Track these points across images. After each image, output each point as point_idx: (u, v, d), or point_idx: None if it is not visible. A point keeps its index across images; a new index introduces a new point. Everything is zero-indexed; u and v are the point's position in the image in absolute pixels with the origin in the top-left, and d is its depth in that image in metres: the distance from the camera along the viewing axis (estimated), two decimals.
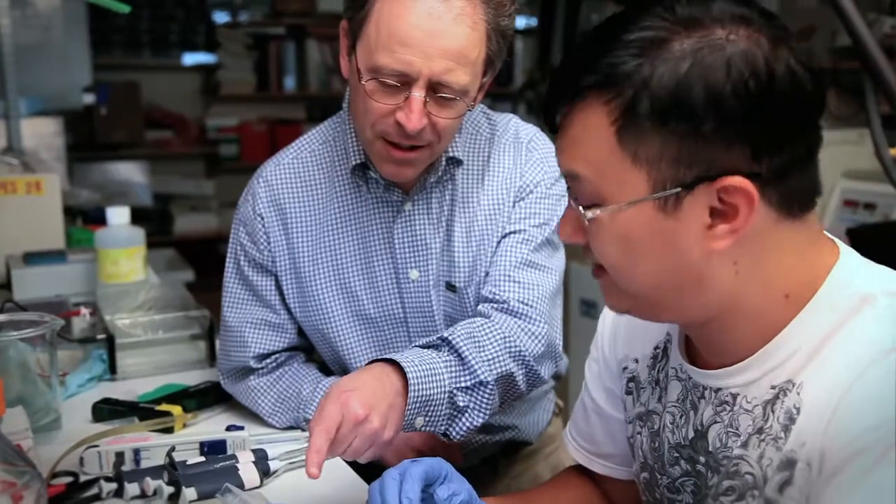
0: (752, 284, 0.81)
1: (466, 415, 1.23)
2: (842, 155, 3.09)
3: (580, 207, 0.82)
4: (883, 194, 2.88)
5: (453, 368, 1.22)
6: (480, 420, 1.24)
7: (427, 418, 1.19)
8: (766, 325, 0.83)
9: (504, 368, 1.26)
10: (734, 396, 0.86)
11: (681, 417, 0.93)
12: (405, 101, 1.19)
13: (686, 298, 0.82)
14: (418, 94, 1.18)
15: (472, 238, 1.36)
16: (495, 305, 1.32)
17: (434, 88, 1.19)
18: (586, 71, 0.79)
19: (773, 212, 0.79)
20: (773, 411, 0.82)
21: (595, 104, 0.79)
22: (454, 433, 1.23)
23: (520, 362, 1.28)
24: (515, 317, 1.31)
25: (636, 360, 1.02)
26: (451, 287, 1.36)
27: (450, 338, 1.23)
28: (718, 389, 0.88)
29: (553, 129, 0.85)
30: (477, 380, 1.22)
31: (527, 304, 1.31)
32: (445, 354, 1.22)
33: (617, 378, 1.05)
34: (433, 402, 1.19)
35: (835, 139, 3.11)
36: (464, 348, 1.22)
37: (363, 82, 1.21)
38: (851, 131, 3.14)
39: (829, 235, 0.88)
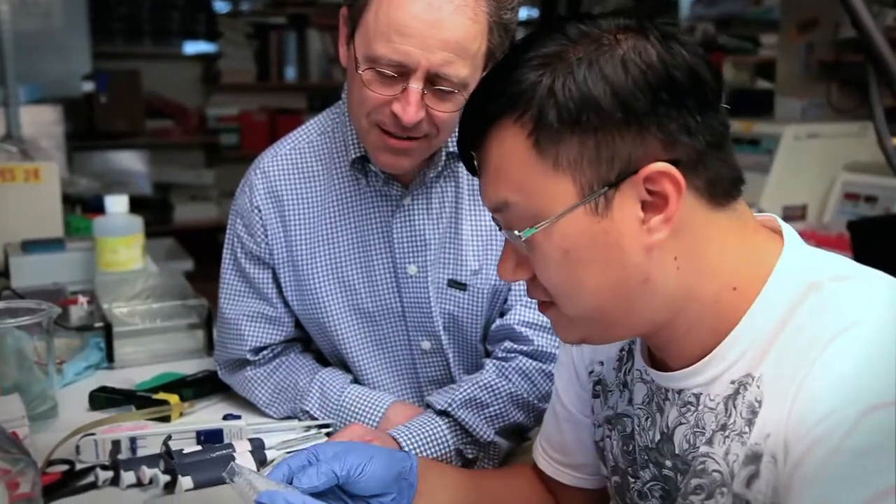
0: (697, 279, 0.82)
1: (477, 464, 1.30)
2: (843, 148, 3.08)
3: (515, 232, 0.82)
4: (884, 187, 2.88)
5: (458, 432, 1.29)
6: (491, 466, 1.31)
7: None
8: (719, 322, 0.83)
9: (509, 421, 1.31)
10: (697, 396, 0.86)
11: (647, 420, 0.93)
12: (402, 93, 1.18)
13: (635, 308, 0.83)
14: (416, 85, 1.17)
15: (482, 235, 1.35)
16: (519, 348, 1.33)
17: (432, 80, 1.17)
18: (491, 98, 0.82)
19: (701, 201, 0.81)
20: (735, 406, 0.82)
21: (507, 125, 0.81)
22: None
23: (526, 410, 1.32)
24: (536, 359, 1.33)
25: (601, 363, 1.02)
26: (457, 285, 1.35)
27: (449, 410, 1.29)
28: (681, 391, 0.88)
29: (473, 171, 0.87)
30: (481, 441, 1.29)
31: (552, 350, 1.32)
32: (450, 419, 1.29)
33: (585, 382, 1.04)
34: (441, 462, 1.26)
35: (836, 132, 3.11)
36: (462, 417, 1.28)
37: (360, 71, 1.19)
38: (853, 124, 3.13)
39: (780, 221, 0.89)
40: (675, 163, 0.78)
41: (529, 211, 0.81)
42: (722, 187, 0.82)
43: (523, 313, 1.33)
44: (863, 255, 2.26)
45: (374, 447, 1.03)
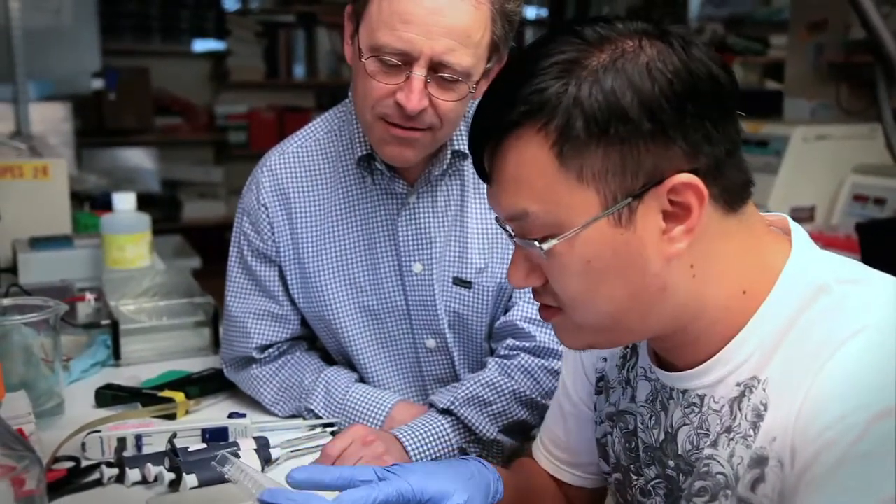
0: (710, 285, 0.82)
1: None
2: (852, 149, 3.07)
3: (535, 242, 0.81)
4: (893, 189, 2.87)
5: (461, 430, 1.29)
6: (495, 464, 1.30)
7: None
8: (727, 325, 0.83)
9: (512, 419, 1.31)
10: (701, 398, 0.86)
11: (650, 418, 0.92)
12: (405, 82, 1.18)
13: (650, 315, 0.82)
14: (419, 73, 1.17)
15: (487, 233, 1.35)
16: (521, 346, 1.33)
17: (435, 69, 1.18)
18: (510, 105, 0.79)
19: (717, 208, 0.81)
20: (740, 409, 0.82)
21: (528, 134, 0.79)
22: None
23: (530, 407, 1.32)
24: (539, 356, 1.33)
25: (605, 359, 1.01)
26: (462, 282, 1.35)
27: (451, 408, 1.29)
28: (685, 391, 0.87)
29: (484, 177, 0.85)
30: (484, 439, 1.30)
31: (555, 346, 1.32)
32: (453, 418, 1.29)
33: (591, 376, 1.04)
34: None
35: (845, 133, 3.10)
36: (465, 415, 1.29)
37: (364, 60, 1.20)
38: (862, 126, 3.12)
39: (791, 222, 0.88)
40: (695, 172, 0.77)
41: (550, 221, 0.80)
42: (736, 193, 0.82)
43: (526, 309, 1.33)
44: (871, 257, 2.25)
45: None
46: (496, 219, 0.87)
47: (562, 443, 1.10)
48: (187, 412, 1.41)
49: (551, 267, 0.82)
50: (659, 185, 0.77)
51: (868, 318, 0.77)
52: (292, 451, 1.27)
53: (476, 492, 0.95)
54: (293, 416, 1.40)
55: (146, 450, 1.26)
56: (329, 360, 1.46)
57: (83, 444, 1.25)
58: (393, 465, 0.94)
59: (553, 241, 0.80)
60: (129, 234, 1.89)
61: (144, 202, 2.05)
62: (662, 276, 0.80)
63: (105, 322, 1.67)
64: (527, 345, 1.32)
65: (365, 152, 1.33)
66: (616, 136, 0.76)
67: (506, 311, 1.37)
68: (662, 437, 0.90)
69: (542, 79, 0.78)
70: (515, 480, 1.09)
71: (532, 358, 1.32)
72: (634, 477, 0.96)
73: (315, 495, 0.91)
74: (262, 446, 1.24)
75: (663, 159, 0.77)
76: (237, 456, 1.19)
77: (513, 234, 0.84)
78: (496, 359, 1.34)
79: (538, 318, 1.31)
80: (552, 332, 1.30)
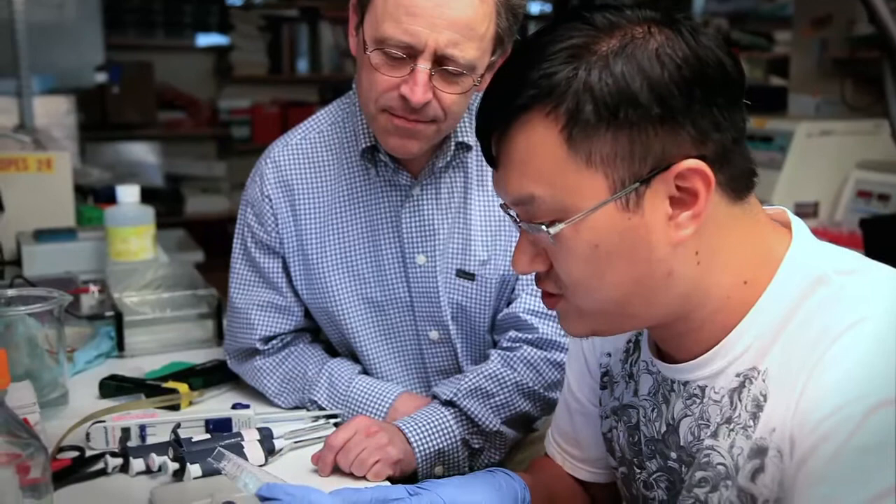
0: (714, 273, 0.82)
1: (483, 454, 1.31)
2: (856, 145, 3.07)
3: (542, 226, 0.81)
4: None
5: (463, 422, 1.29)
6: (498, 457, 1.32)
7: (446, 465, 1.28)
8: (728, 314, 0.83)
9: (515, 411, 1.32)
10: (702, 389, 0.86)
11: (653, 411, 0.93)
12: (410, 74, 1.18)
13: (654, 301, 0.82)
14: (423, 66, 1.17)
15: (490, 225, 1.35)
16: (524, 337, 1.34)
17: (440, 61, 1.18)
18: (519, 89, 0.79)
19: (723, 196, 0.81)
20: (740, 400, 0.82)
21: (537, 118, 0.79)
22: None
23: (533, 399, 1.33)
24: (542, 348, 1.33)
25: (609, 354, 1.02)
26: (465, 275, 1.35)
27: (454, 400, 1.29)
28: (686, 383, 0.88)
29: (491, 161, 0.85)
30: (487, 430, 1.30)
31: (557, 338, 1.32)
32: (456, 410, 1.30)
33: (596, 372, 1.04)
34: (447, 452, 1.27)
35: (850, 129, 3.09)
36: (468, 406, 1.29)
37: (368, 53, 1.20)
38: (866, 121, 3.12)
39: (790, 214, 0.88)
40: (702, 158, 0.77)
41: (557, 205, 0.80)
42: (741, 181, 0.82)
43: (529, 302, 1.33)
44: (875, 253, 2.24)
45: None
46: (501, 205, 0.87)
47: (572, 439, 1.11)
48: (191, 403, 1.41)
49: (557, 251, 0.82)
50: (666, 171, 0.77)
51: (866, 309, 0.77)
52: (296, 442, 1.27)
53: (506, 502, 0.98)
54: (297, 408, 1.40)
55: (150, 440, 1.27)
56: (332, 351, 1.47)
57: (88, 434, 1.26)
58: (424, 481, 0.99)
59: (560, 225, 0.80)
60: (133, 227, 1.89)
61: (147, 196, 2.06)
62: (668, 262, 0.80)
63: (109, 314, 1.67)
64: (529, 336, 1.33)
65: (369, 144, 1.33)
66: (626, 120, 0.76)
67: (509, 303, 1.37)
68: (664, 429, 0.91)
69: (551, 63, 0.78)
70: (540, 485, 1.09)
71: (535, 350, 1.32)
72: (638, 470, 0.96)
73: (314, 489, 0.91)
74: (266, 437, 1.24)
75: (671, 145, 0.77)
76: (241, 447, 1.20)
77: (518, 219, 0.84)
78: (499, 350, 1.34)
79: (541, 309, 1.31)
80: (555, 324, 1.30)
